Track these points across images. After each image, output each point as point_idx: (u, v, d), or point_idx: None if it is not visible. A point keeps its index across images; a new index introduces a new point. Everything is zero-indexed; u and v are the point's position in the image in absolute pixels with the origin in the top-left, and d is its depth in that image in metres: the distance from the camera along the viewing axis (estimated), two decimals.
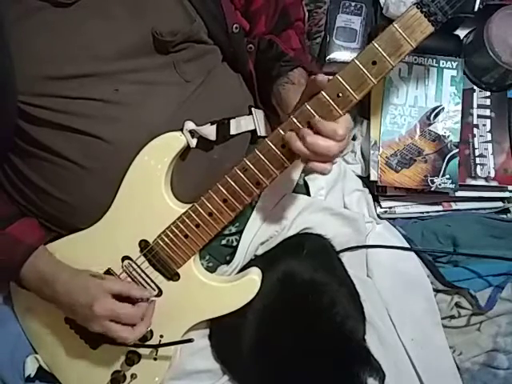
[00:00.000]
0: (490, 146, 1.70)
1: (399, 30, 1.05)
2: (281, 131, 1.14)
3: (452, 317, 1.60)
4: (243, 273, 1.37)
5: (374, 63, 1.07)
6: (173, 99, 1.30)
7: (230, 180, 1.22)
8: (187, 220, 1.27)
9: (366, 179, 1.71)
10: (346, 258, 1.53)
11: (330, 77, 1.09)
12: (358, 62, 1.07)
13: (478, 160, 1.69)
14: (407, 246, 1.63)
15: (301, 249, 1.43)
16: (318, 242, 1.48)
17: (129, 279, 1.35)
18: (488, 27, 1.60)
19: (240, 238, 1.43)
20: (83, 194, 1.29)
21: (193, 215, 1.26)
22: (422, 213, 1.71)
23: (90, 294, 1.25)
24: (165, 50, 1.27)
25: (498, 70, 1.64)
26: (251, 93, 1.49)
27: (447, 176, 1.63)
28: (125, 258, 1.33)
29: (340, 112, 1.10)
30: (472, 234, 1.64)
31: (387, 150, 1.65)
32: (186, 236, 1.28)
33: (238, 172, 1.21)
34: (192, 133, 1.26)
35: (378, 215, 1.69)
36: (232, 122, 1.35)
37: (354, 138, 1.74)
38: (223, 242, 1.45)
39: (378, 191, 1.69)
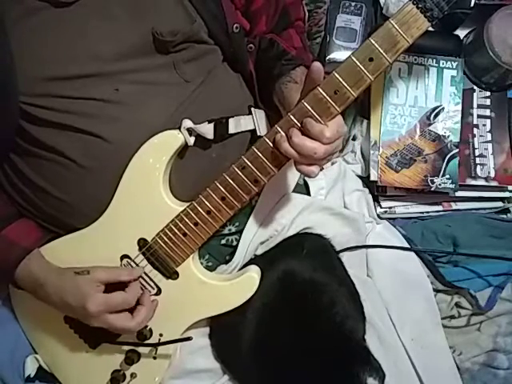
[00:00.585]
0: (489, 146, 1.70)
1: (395, 26, 1.05)
2: (278, 129, 1.14)
3: (452, 317, 1.60)
4: (242, 271, 1.37)
5: (371, 60, 1.07)
6: (173, 99, 1.30)
7: (228, 178, 1.22)
8: (186, 218, 1.27)
9: (366, 179, 1.71)
10: (345, 257, 1.53)
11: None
12: (354, 59, 1.07)
13: (477, 160, 1.69)
14: (407, 246, 1.63)
15: (301, 248, 1.43)
16: (318, 242, 1.48)
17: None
18: (488, 27, 1.60)
19: (240, 237, 1.43)
20: (82, 193, 1.29)
21: (191, 213, 1.26)
22: (422, 213, 1.71)
23: (79, 294, 1.26)
24: (165, 50, 1.28)
25: (498, 70, 1.64)
26: (251, 93, 1.48)
27: (447, 176, 1.63)
28: (123, 256, 1.33)
29: (337, 109, 1.10)
30: (472, 233, 1.64)
31: (387, 150, 1.65)
32: (185, 234, 1.28)
33: (236, 170, 1.21)
34: (190, 131, 1.26)
35: (378, 215, 1.69)
36: (231, 120, 1.34)
37: (354, 138, 1.74)
38: (223, 241, 1.45)
39: (378, 191, 1.69)
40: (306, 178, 1.56)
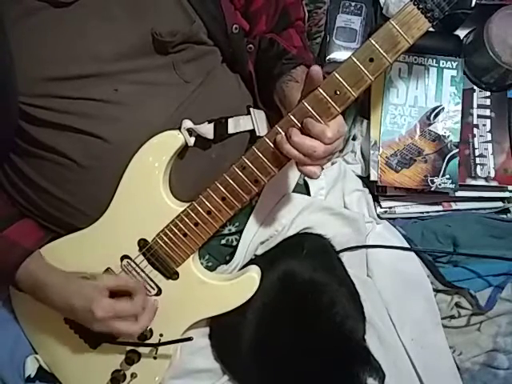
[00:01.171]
0: (489, 146, 1.70)
1: (396, 26, 1.05)
2: (278, 129, 1.15)
3: (452, 317, 1.60)
4: (242, 271, 1.38)
5: (372, 60, 1.07)
6: (172, 99, 1.30)
7: (228, 178, 1.22)
8: (186, 219, 1.27)
9: (366, 179, 1.71)
10: (345, 257, 1.53)
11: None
12: (355, 59, 1.07)
13: (478, 160, 1.69)
14: (407, 246, 1.63)
15: (301, 249, 1.43)
16: (318, 242, 1.48)
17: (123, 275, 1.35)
18: (488, 27, 1.60)
19: (240, 237, 1.43)
20: (83, 193, 1.29)
21: (191, 214, 1.27)
22: (422, 213, 1.71)
23: (86, 298, 1.25)
24: (164, 50, 1.28)
25: (498, 70, 1.64)
26: (251, 93, 1.49)
27: (447, 176, 1.63)
28: (124, 257, 1.33)
29: (337, 109, 1.10)
30: (472, 233, 1.64)
31: (387, 150, 1.65)
32: (185, 235, 1.28)
33: (237, 170, 1.21)
34: (190, 131, 1.26)
35: (378, 215, 1.69)
36: (230, 121, 1.35)
37: (354, 138, 1.75)
38: (223, 241, 1.45)
39: (378, 191, 1.69)
40: (306, 178, 1.55)
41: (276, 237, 1.45)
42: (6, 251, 1.31)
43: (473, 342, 1.58)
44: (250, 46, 1.44)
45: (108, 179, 1.27)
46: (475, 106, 1.72)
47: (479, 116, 1.71)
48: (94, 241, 1.33)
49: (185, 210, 1.27)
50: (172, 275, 1.33)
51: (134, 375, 1.41)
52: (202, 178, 1.30)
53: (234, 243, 1.45)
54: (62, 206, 1.32)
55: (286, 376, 1.35)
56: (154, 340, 1.37)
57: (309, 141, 1.09)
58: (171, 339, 1.36)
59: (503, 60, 1.60)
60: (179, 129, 1.26)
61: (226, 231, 1.44)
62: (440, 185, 1.63)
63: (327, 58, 1.70)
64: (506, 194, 1.71)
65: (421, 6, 1.04)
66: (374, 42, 1.06)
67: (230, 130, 1.34)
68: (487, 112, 1.72)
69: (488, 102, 1.73)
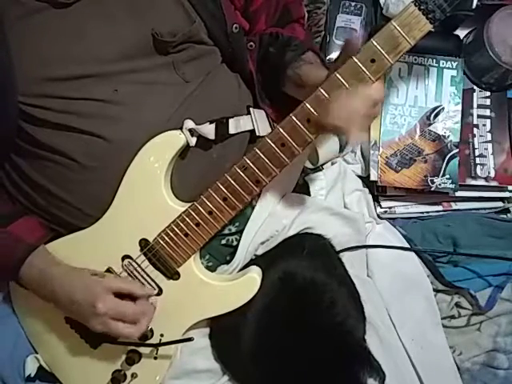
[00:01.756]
0: (489, 146, 1.71)
1: (397, 27, 1.05)
2: (280, 129, 1.15)
3: (452, 317, 1.60)
4: (243, 271, 1.37)
5: (373, 61, 1.07)
6: (172, 99, 1.30)
7: (229, 178, 1.22)
8: (187, 219, 1.27)
9: (366, 179, 1.71)
10: (345, 257, 1.53)
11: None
12: (356, 60, 1.07)
13: (478, 160, 1.69)
14: (407, 246, 1.63)
15: (301, 249, 1.42)
16: (318, 242, 1.48)
17: (129, 278, 1.35)
18: (488, 27, 1.61)
19: (240, 237, 1.42)
20: (84, 193, 1.29)
21: (193, 214, 1.27)
22: (422, 213, 1.71)
23: (90, 292, 1.25)
24: (164, 50, 1.28)
25: (497, 70, 1.65)
26: (251, 93, 1.48)
27: (447, 176, 1.64)
28: (125, 257, 1.33)
29: None
30: (472, 233, 1.64)
31: (387, 150, 1.65)
32: (187, 235, 1.28)
33: (238, 170, 1.21)
34: (191, 131, 1.26)
35: (378, 215, 1.70)
36: (231, 121, 1.34)
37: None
38: (223, 241, 1.45)
39: (378, 191, 1.69)
40: (306, 178, 1.56)
41: (276, 237, 1.44)
42: (11, 247, 1.31)
43: (473, 342, 1.58)
44: (251, 43, 1.43)
45: (109, 179, 1.27)
46: (475, 106, 1.72)
47: (479, 116, 1.72)
48: (95, 240, 1.33)
49: (186, 210, 1.27)
50: (173, 275, 1.33)
51: (134, 375, 1.40)
52: (203, 178, 1.31)
53: (235, 243, 1.44)
54: (63, 206, 1.31)
55: (286, 376, 1.35)
56: (154, 340, 1.37)
57: (352, 102, 1.11)
58: (172, 339, 1.36)
59: (503, 60, 1.60)
60: (181, 129, 1.26)
61: (226, 231, 1.43)
62: (440, 185, 1.64)
63: (327, 58, 1.70)
64: (506, 194, 1.72)
65: (422, 8, 1.04)
66: (375, 43, 1.06)
67: (231, 131, 1.34)
68: (487, 112, 1.73)
69: (488, 102, 1.73)
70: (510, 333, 1.58)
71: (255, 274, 1.33)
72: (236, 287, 1.33)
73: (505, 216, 1.74)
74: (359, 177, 1.73)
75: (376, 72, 1.08)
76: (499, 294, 1.58)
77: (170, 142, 1.26)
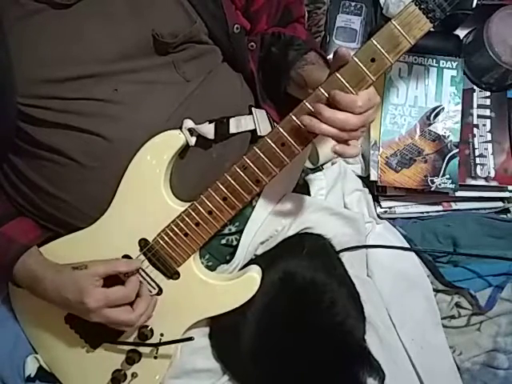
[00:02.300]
0: (489, 146, 1.71)
1: (398, 26, 1.05)
2: (280, 129, 1.15)
3: (452, 317, 1.60)
4: (243, 271, 1.37)
5: (373, 60, 1.07)
6: (173, 98, 1.30)
7: (229, 178, 1.22)
8: (187, 218, 1.27)
9: (366, 179, 1.71)
10: (345, 257, 1.53)
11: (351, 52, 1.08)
12: (356, 60, 1.07)
13: (478, 160, 1.70)
14: (407, 246, 1.63)
15: (301, 249, 1.42)
16: (318, 242, 1.48)
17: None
18: (488, 27, 1.61)
19: (240, 237, 1.42)
20: (83, 193, 1.29)
21: (192, 214, 1.27)
22: (422, 213, 1.72)
23: (77, 289, 1.25)
24: (165, 50, 1.28)
25: (497, 70, 1.65)
26: (252, 92, 1.48)
27: (447, 176, 1.64)
28: (124, 257, 1.32)
29: None
30: (472, 233, 1.64)
31: (387, 150, 1.66)
32: (186, 234, 1.28)
33: (238, 170, 1.21)
34: (191, 131, 1.26)
35: (378, 215, 1.70)
36: (232, 120, 1.34)
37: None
38: (223, 241, 1.45)
39: (378, 191, 1.70)
40: (306, 178, 1.56)
41: (276, 237, 1.45)
42: (4, 247, 1.31)
43: (473, 342, 1.58)
44: (252, 43, 1.43)
45: (108, 178, 1.27)
46: (475, 106, 1.73)
47: (479, 116, 1.72)
48: (94, 240, 1.33)
49: (186, 209, 1.27)
50: (173, 275, 1.33)
51: (134, 375, 1.40)
52: (202, 177, 1.31)
53: (235, 243, 1.44)
54: (61, 206, 1.31)
55: (286, 376, 1.35)
56: (154, 340, 1.37)
57: (340, 114, 1.08)
58: (172, 339, 1.36)
59: (503, 60, 1.60)
60: (180, 128, 1.26)
61: (226, 231, 1.43)
62: (440, 185, 1.64)
63: (327, 58, 1.69)
64: (506, 194, 1.72)
65: (422, 7, 1.04)
66: (375, 43, 1.06)
67: (232, 130, 1.34)
68: (487, 112, 1.73)
69: (488, 102, 1.73)
70: (510, 333, 1.58)
71: (255, 273, 1.33)
72: (236, 286, 1.33)
73: (505, 216, 1.74)
74: (359, 177, 1.73)
75: (376, 71, 1.07)
76: (499, 293, 1.58)
77: (170, 141, 1.26)
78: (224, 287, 1.34)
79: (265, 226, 1.43)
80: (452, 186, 1.64)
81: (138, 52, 1.25)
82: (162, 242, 1.30)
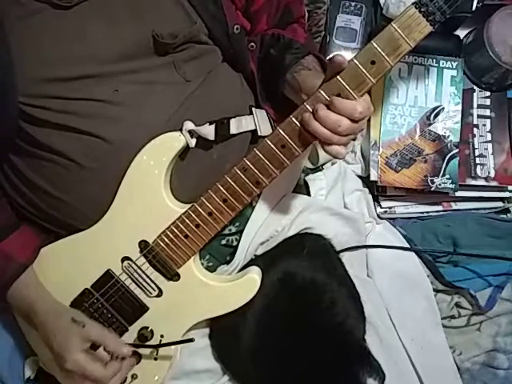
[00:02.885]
0: (489, 146, 1.71)
1: (398, 29, 1.05)
2: (280, 131, 1.15)
3: (452, 317, 1.60)
4: (243, 272, 1.37)
5: (373, 63, 1.07)
6: (173, 99, 1.30)
7: (229, 180, 1.22)
8: (187, 220, 1.27)
9: (366, 179, 1.71)
10: (345, 258, 1.53)
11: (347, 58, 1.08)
12: (356, 62, 1.07)
13: (478, 160, 1.70)
14: (407, 246, 1.63)
15: (301, 249, 1.42)
16: (318, 242, 1.48)
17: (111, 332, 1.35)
18: (488, 27, 1.61)
19: (240, 237, 1.43)
20: (83, 194, 1.29)
21: (193, 215, 1.26)
22: (422, 213, 1.72)
23: (64, 343, 1.25)
24: (165, 51, 1.28)
25: (497, 70, 1.65)
26: (253, 93, 1.48)
27: (447, 176, 1.64)
28: (124, 258, 1.32)
29: None
30: (472, 234, 1.64)
31: (387, 150, 1.65)
32: (186, 236, 1.28)
33: (238, 172, 1.21)
34: (191, 133, 1.26)
35: (378, 215, 1.70)
36: (232, 121, 1.34)
37: (353, 138, 1.74)
38: (223, 241, 1.45)
39: (378, 191, 1.70)
40: (306, 179, 1.56)
41: (276, 237, 1.44)
42: (1, 267, 1.31)
43: (473, 342, 1.58)
44: (252, 44, 1.43)
45: (109, 180, 1.27)
46: (475, 106, 1.73)
47: (479, 116, 1.72)
48: (94, 242, 1.33)
49: (186, 211, 1.27)
50: (173, 277, 1.32)
51: (134, 376, 1.40)
52: (203, 179, 1.31)
53: (235, 243, 1.45)
54: (61, 207, 1.31)
55: (286, 376, 1.36)
56: (154, 341, 1.37)
57: (334, 115, 1.09)
58: (172, 340, 1.36)
59: (503, 60, 1.61)
60: (180, 130, 1.26)
61: (226, 231, 1.43)
62: (440, 185, 1.64)
63: (327, 58, 1.70)
64: (506, 194, 1.72)
65: (422, 10, 1.04)
66: (375, 45, 1.06)
67: (232, 131, 1.34)
68: (487, 112, 1.73)
69: (488, 102, 1.73)
70: (510, 333, 1.58)
71: (255, 274, 1.33)
72: (236, 288, 1.33)
73: (505, 216, 1.75)
74: (359, 177, 1.73)
75: (376, 74, 1.07)
76: (499, 293, 1.58)
77: (170, 143, 1.25)
78: (224, 288, 1.33)
79: (265, 227, 1.44)
80: (452, 185, 1.64)
81: (138, 52, 1.25)
82: (162, 243, 1.29)
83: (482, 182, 1.69)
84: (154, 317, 1.35)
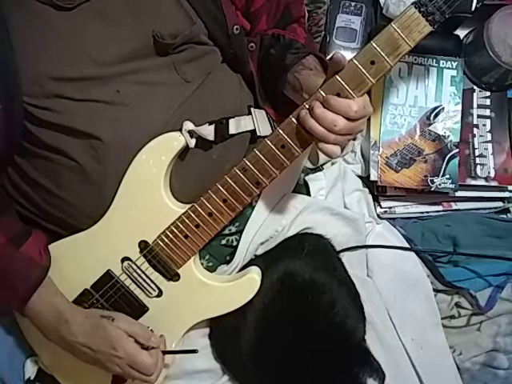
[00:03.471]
0: (489, 146, 1.71)
1: (397, 30, 1.05)
2: (280, 131, 1.15)
3: (452, 317, 1.60)
4: (243, 272, 1.37)
5: (373, 63, 1.07)
6: (173, 99, 1.30)
7: (229, 180, 1.22)
8: (187, 220, 1.27)
9: (365, 179, 1.71)
10: (345, 258, 1.53)
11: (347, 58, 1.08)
12: (356, 62, 1.07)
13: (478, 160, 1.70)
14: (407, 246, 1.63)
15: (301, 249, 1.42)
16: (318, 242, 1.48)
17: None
18: (488, 27, 1.61)
19: (240, 237, 1.42)
20: (84, 194, 1.29)
21: (192, 215, 1.27)
22: (422, 213, 1.72)
23: (108, 337, 1.27)
24: (165, 51, 1.28)
25: (497, 69, 1.65)
26: (252, 93, 1.48)
27: (447, 176, 1.64)
28: (124, 258, 1.32)
29: None
30: (472, 233, 1.64)
31: (387, 150, 1.65)
32: (186, 236, 1.28)
33: (238, 172, 1.21)
34: (191, 133, 1.26)
35: (378, 215, 1.70)
36: (231, 121, 1.34)
37: (353, 138, 1.74)
38: (223, 241, 1.45)
39: (378, 191, 1.69)
40: (306, 178, 1.56)
41: (276, 237, 1.44)
42: (24, 271, 1.30)
43: (473, 342, 1.58)
44: (252, 44, 1.43)
45: (109, 180, 1.27)
46: (475, 106, 1.73)
47: (479, 116, 1.72)
48: (94, 242, 1.33)
49: (186, 211, 1.27)
50: (173, 277, 1.33)
51: None
52: (203, 179, 1.31)
53: (235, 243, 1.44)
54: (63, 207, 1.31)
55: (286, 376, 1.36)
56: None
57: (330, 114, 1.08)
58: (172, 340, 1.37)
59: (503, 60, 1.60)
60: (180, 130, 1.26)
61: (226, 231, 1.43)
62: (440, 185, 1.64)
63: (327, 58, 1.69)
64: (506, 194, 1.71)
65: (422, 10, 1.04)
66: (375, 45, 1.06)
67: (232, 131, 1.34)
68: (487, 112, 1.73)
69: (488, 102, 1.73)
70: (510, 333, 1.58)
71: (255, 274, 1.34)
72: (236, 288, 1.33)
73: (505, 216, 1.75)
74: (359, 177, 1.73)
75: (376, 74, 1.07)
76: (499, 293, 1.58)
77: (170, 143, 1.25)
78: (224, 289, 1.34)
79: (265, 227, 1.43)
80: (452, 186, 1.64)
81: (138, 53, 1.26)
82: (161, 243, 1.30)
83: (482, 182, 1.69)
84: (154, 317, 1.35)
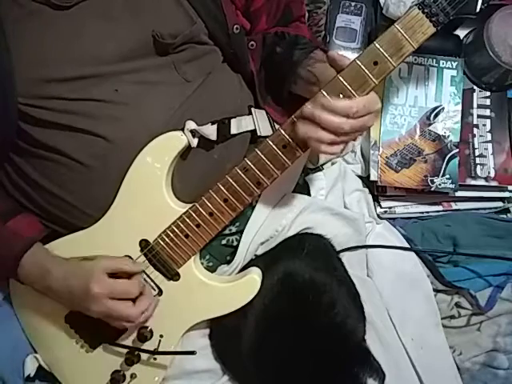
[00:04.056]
0: (489, 146, 1.71)
1: (401, 30, 1.05)
2: (282, 131, 1.15)
3: (452, 317, 1.60)
4: (243, 272, 1.37)
5: (376, 64, 1.07)
6: (173, 99, 1.30)
7: (230, 180, 1.22)
8: (188, 220, 1.27)
9: (365, 179, 1.71)
10: (345, 258, 1.53)
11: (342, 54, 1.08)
12: (359, 63, 1.07)
13: (478, 160, 1.70)
14: (407, 246, 1.63)
15: (301, 249, 1.42)
16: (318, 242, 1.48)
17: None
18: (488, 27, 1.61)
19: (240, 237, 1.42)
20: (84, 193, 1.29)
21: (193, 215, 1.27)
22: (422, 213, 1.72)
23: (84, 275, 1.25)
24: (165, 51, 1.28)
25: (497, 70, 1.65)
26: (252, 93, 1.48)
27: (447, 176, 1.64)
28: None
29: None
30: (472, 234, 1.64)
31: (387, 150, 1.65)
32: (187, 236, 1.28)
33: (239, 172, 1.21)
34: (193, 132, 1.26)
35: (378, 215, 1.70)
36: (233, 121, 1.34)
37: (353, 139, 1.74)
38: (223, 241, 1.45)
39: (377, 191, 1.70)
40: (306, 178, 1.56)
41: (276, 237, 1.44)
42: (10, 242, 1.30)
43: (473, 342, 1.58)
44: (252, 43, 1.43)
45: (110, 179, 1.27)
46: (475, 106, 1.73)
47: (479, 116, 1.72)
48: (94, 241, 1.33)
49: (187, 211, 1.27)
50: (173, 276, 1.32)
51: (133, 376, 1.40)
52: (204, 178, 1.31)
53: (235, 243, 1.44)
54: (63, 206, 1.31)
55: (286, 376, 1.36)
56: (154, 341, 1.37)
57: (336, 118, 1.08)
58: (171, 340, 1.37)
59: (503, 60, 1.60)
60: (182, 130, 1.26)
61: (226, 231, 1.43)
62: (440, 185, 1.64)
63: None
64: (506, 194, 1.72)
65: (426, 11, 1.04)
66: (378, 46, 1.06)
67: (233, 131, 1.34)
68: (487, 112, 1.73)
69: (488, 102, 1.74)
70: (510, 333, 1.58)
71: (255, 275, 1.34)
72: (236, 288, 1.33)
73: (505, 216, 1.75)
74: (359, 177, 1.73)
75: (379, 75, 1.07)
76: (499, 293, 1.58)
77: (172, 143, 1.26)
78: (224, 289, 1.34)
79: (265, 227, 1.43)
80: (452, 186, 1.64)
81: (138, 52, 1.25)
82: (162, 243, 1.30)
83: (481, 182, 1.69)
84: (154, 316, 1.35)
